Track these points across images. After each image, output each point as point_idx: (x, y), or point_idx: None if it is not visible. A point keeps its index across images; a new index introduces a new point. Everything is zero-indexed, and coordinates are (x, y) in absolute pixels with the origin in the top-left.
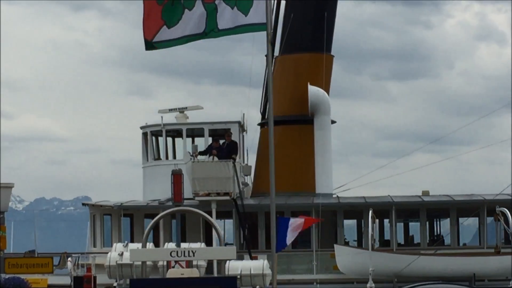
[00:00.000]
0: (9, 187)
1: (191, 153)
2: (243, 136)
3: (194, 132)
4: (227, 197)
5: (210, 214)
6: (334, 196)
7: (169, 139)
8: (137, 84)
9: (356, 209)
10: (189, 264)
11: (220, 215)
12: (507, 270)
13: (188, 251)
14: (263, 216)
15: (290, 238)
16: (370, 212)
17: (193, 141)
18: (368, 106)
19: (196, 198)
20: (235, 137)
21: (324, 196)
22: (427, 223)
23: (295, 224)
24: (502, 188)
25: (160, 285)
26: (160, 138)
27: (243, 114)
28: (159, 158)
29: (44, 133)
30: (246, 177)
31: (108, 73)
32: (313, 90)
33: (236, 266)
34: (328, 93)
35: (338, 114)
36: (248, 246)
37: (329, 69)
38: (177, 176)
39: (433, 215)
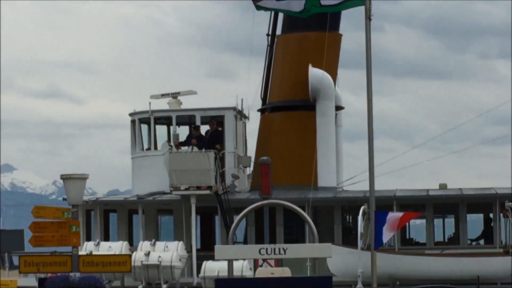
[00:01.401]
0: (83, 178)
1: (171, 143)
2: (244, 123)
3: (185, 120)
4: (208, 191)
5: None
6: (339, 189)
7: (164, 128)
8: (219, 65)
9: (355, 205)
10: (278, 263)
11: (203, 210)
12: None
13: (279, 249)
14: (252, 212)
15: (386, 236)
16: (362, 208)
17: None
18: (474, 87)
19: (174, 192)
20: (230, 124)
21: (324, 190)
22: (453, 219)
23: (392, 220)
24: None
25: (249, 285)
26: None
27: (241, 99)
28: (149, 148)
29: (117, 119)
30: (245, 168)
31: (186, 53)
32: (315, 73)
33: (213, 268)
34: (335, 76)
35: (438, 96)
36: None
37: (337, 49)
38: (265, 166)
39: (449, 211)
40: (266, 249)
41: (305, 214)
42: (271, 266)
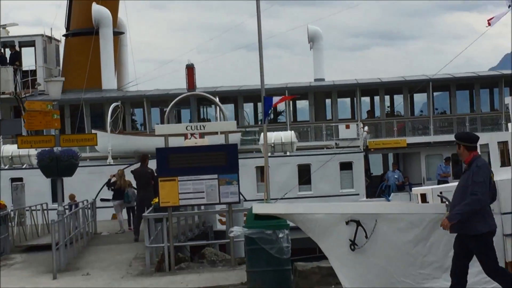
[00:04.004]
0: (60, 81)
1: None
2: (57, 46)
3: (7, 44)
4: (9, 95)
5: None
6: (120, 91)
7: None
8: None
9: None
10: (201, 136)
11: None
12: None
13: (200, 126)
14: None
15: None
16: (113, 105)
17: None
18: (334, 11)
19: None
20: (39, 48)
21: (106, 91)
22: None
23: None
24: None
25: (180, 151)
26: None
27: (51, 28)
28: None
29: None
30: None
31: None
32: (96, 8)
33: (8, 149)
34: (116, 10)
35: (306, 19)
36: None
37: None
38: (190, 69)
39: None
40: (191, 126)
41: (217, 101)
42: (196, 138)
